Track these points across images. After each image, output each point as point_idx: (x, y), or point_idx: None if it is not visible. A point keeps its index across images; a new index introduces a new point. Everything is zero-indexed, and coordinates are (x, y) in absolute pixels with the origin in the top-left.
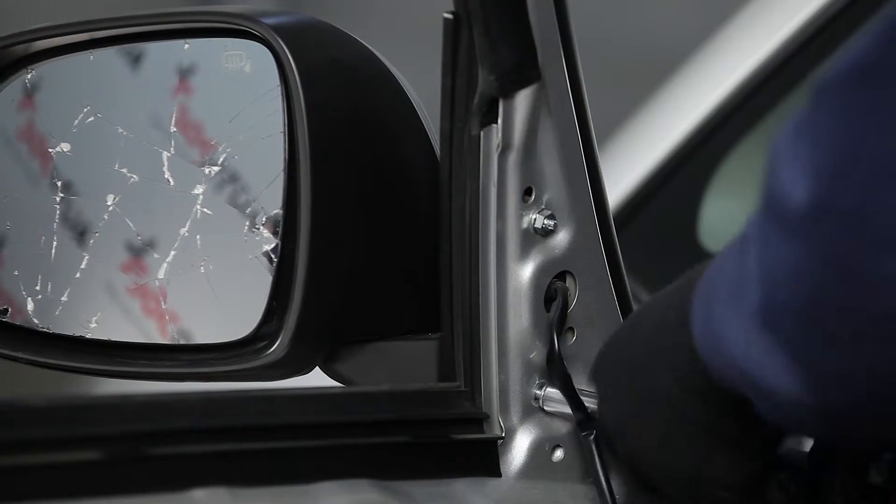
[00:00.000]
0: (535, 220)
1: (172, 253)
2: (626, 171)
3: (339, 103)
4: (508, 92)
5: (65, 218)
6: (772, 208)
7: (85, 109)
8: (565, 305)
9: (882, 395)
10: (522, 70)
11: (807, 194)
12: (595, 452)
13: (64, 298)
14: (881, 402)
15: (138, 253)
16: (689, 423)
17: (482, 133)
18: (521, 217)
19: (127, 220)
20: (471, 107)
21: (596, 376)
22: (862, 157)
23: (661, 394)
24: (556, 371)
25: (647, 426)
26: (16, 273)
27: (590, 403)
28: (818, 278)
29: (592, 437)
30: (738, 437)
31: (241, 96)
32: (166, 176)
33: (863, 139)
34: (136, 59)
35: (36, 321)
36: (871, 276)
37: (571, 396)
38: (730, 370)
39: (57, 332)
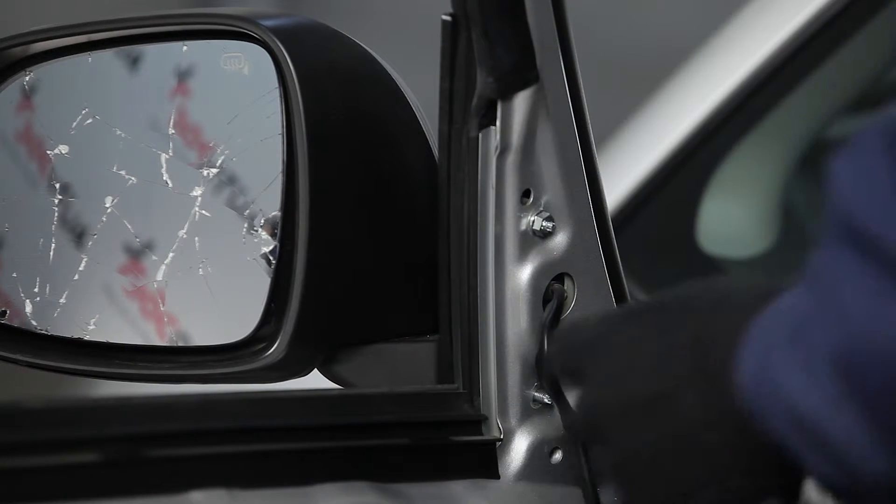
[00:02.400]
0: (533, 222)
1: (171, 255)
2: (624, 172)
3: (337, 105)
4: (507, 94)
5: (63, 220)
6: (859, 245)
7: (83, 111)
8: (560, 307)
9: None
10: (521, 72)
11: None
12: (581, 454)
13: (62, 300)
14: None
15: (137, 255)
16: (702, 455)
17: (480, 135)
18: (519, 219)
19: (125, 222)
20: (469, 109)
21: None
22: None
23: (678, 418)
24: (546, 373)
25: (650, 442)
26: (14, 275)
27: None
28: None
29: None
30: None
31: (239, 98)
32: (165, 178)
33: None
34: (134, 62)
35: (34, 323)
36: None
37: (560, 399)
38: (784, 422)
39: (55, 334)
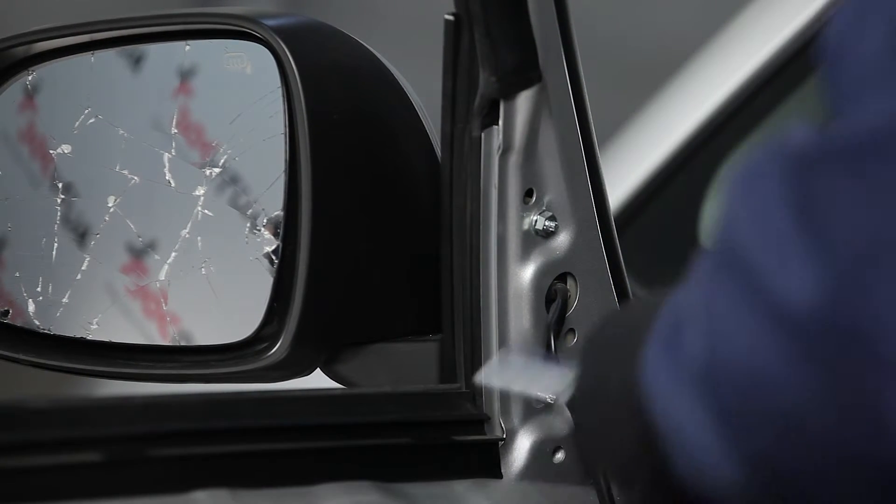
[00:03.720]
0: (535, 221)
1: (173, 254)
2: (627, 172)
3: (339, 105)
4: (509, 93)
5: (66, 219)
6: (742, 285)
7: (86, 111)
8: (564, 307)
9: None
10: (523, 71)
11: (809, 297)
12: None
13: (65, 300)
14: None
15: (139, 254)
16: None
17: (483, 134)
18: (521, 219)
19: (128, 221)
20: (472, 108)
21: (581, 354)
22: (887, 254)
23: (612, 408)
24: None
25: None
26: (17, 275)
27: None
28: (791, 378)
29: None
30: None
31: (241, 98)
32: (167, 177)
33: (886, 230)
34: (136, 61)
35: (37, 323)
36: (867, 406)
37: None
38: (661, 426)
39: (58, 333)
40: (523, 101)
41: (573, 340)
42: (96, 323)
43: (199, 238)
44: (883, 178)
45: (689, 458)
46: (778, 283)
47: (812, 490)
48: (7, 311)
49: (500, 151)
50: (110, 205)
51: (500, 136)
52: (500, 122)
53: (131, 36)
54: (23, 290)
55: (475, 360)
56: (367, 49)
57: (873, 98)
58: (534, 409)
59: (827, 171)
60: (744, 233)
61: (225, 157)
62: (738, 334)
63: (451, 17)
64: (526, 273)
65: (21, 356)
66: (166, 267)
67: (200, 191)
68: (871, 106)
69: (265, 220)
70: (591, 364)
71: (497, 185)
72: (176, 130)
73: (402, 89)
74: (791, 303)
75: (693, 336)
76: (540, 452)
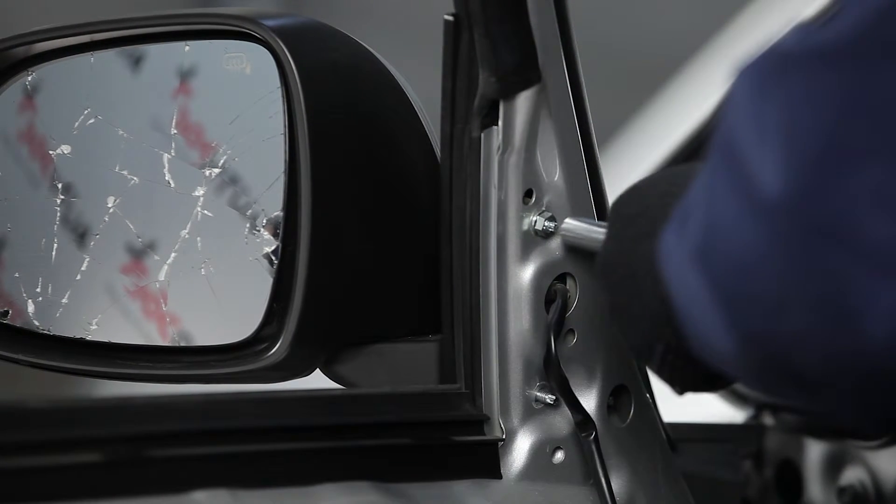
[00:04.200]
0: (535, 222)
1: (173, 255)
2: (626, 172)
3: (339, 105)
4: (509, 94)
5: (65, 220)
6: (733, 172)
7: (85, 111)
8: (564, 307)
9: (800, 366)
10: (523, 72)
11: (779, 185)
12: (596, 453)
13: (64, 300)
14: (792, 371)
15: (139, 255)
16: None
17: (483, 135)
18: (521, 219)
19: (127, 221)
20: (471, 109)
21: (612, 211)
22: (850, 150)
23: (630, 266)
24: (553, 373)
25: (623, 279)
26: (16, 275)
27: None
28: (768, 260)
29: (593, 437)
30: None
31: (241, 98)
32: (167, 178)
33: (854, 138)
34: (136, 62)
35: (36, 323)
36: (820, 266)
37: (569, 399)
38: (669, 286)
39: (57, 333)
40: (523, 102)
41: (573, 341)
42: (96, 323)
43: (198, 238)
44: (853, 77)
45: (696, 331)
46: (758, 172)
47: (793, 361)
48: (7, 312)
49: (499, 152)
50: (110, 205)
51: (500, 137)
52: (500, 123)
53: (131, 36)
54: (22, 290)
55: (475, 361)
56: (367, 49)
57: (852, 2)
58: (533, 409)
59: (804, 69)
60: (737, 124)
61: (224, 157)
62: (726, 219)
63: (450, 18)
64: (525, 273)
65: (21, 356)
66: (166, 267)
67: (200, 191)
68: (849, 10)
69: (265, 221)
70: (617, 232)
71: (497, 186)
72: (175, 131)
73: (402, 89)
74: (766, 191)
75: (695, 220)
76: (539, 453)
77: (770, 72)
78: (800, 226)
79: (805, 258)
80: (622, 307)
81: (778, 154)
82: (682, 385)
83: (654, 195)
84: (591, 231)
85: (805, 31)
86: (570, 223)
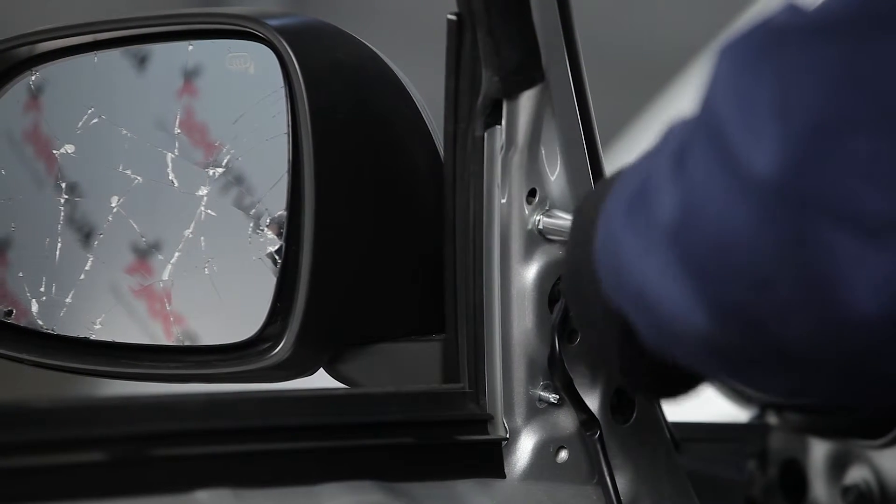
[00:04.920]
0: (539, 221)
1: (177, 254)
2: None
3: (342, 105)
4: (512, 93)
5: (69, 219)
6: (716, 150)
7: (89, 111)
8: (568, 308)
9: (779, 342)
10: (526, 71)
11: (770, 161)
12: (600, 452)
13: (68, 300)
14: (773, 349)
15: (143, 254)
16: (591, 303)
17: (486, 134)
18: (525, 218)
19: (131, 221)
20: (475, 108)
21: (573, 219)
22: (844, 134)
23: (582, 269)
24: (557, 373)
25: (576, 286)
26: (20, 274)
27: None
28: (752, 235)
29: (597, 436)
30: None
31: (245, 98)
32: (170, 177)
33: (848, 111)
34: (140, 61)
35: (40, 323)
36: (816, 248)
37: (573, 398)
38: (619, 277)
39: (61, 333)
40: (526, 101)
41: (577, 340)
42: (100, 323)
43: (202, 238)
44: (847, 51)
45: (658, 316)
46: (746, 150)
47: (775, 337)
48: (11, 311)
49: (502, 151)
50: (114, 205)
51: (503, 136)
52: (503, 122)
53: (135, 36)
54: (26, 290)
55: (478, 360)
56: (370, 49)
57: None
58: (537, 408)
59: (796, 45)
60: (721, 101)
61: (228, 157)
62: (709, 197)
63: (453, 17)
64: (529, 273)
65: (24, 356)
66: (170, 267)
67: (204, 191)
68: None
69: (268, 220)
70: (574, 232)
71: (500, 185)
72: (179, 130)
73: (405, 89)
74: (756, 170)
75: (664, 197)
76: (543, 452)
77: (759, 48)
78: (791, 200)
79: (796, 231)
80: (583, 320)
81: (769, 129)
82: (646, 391)
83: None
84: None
85: (796, 7)
86: (545, 220)
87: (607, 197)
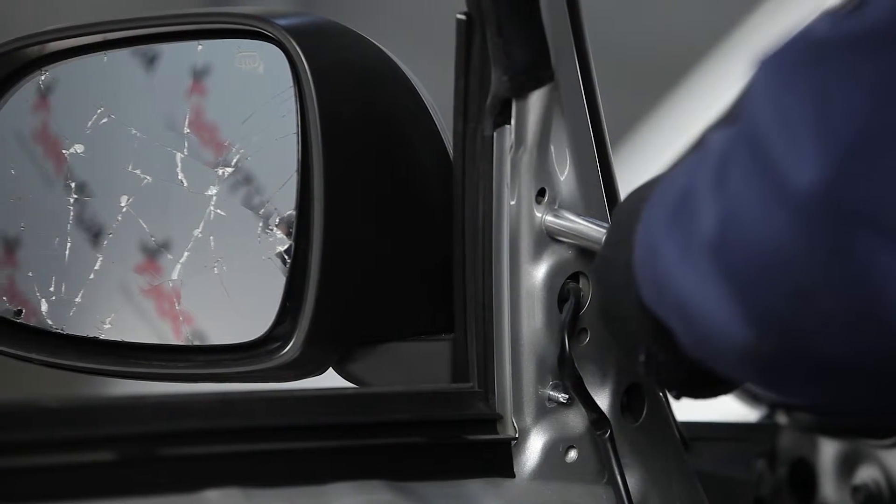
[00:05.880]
0: (545, 221)
1: (186, 254)
2: (639, 172)
3: (351, 104)
4: (521, 93)
5: (79, 219)
6: (757, 163)
7: (99, 111)
8: (578, 306)
9: (816, 356)
10: (535, 71)
11: (811, 174)
12: (611, 451)
13: (78, 300)
14: (813, 360)
15: (152, 254)
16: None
17: (495, 134)
18: (534, 218)
19: (141, 221)
20: (484, 108)
21: (612, 216)
22: (886, 145)
23: (616, 267)
24: (567, 372)
25: (608, 283)
26: (30, 274)
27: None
28: (796, 249)
29: (608, 436)
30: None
31: (254, 97)
32: (180, 177)
33: (890, 121)
34: (150, 61)
35: (50, 322)
36: (859, 264)
37: (583, 397)
38: (659, 286)
39: (71, 333)
40: (535, 101)
41: (586, 340)
42: (109, 322)
43: (211, 238)
44: (885, 67)
45: (697, 329)
46: (788, 163)
47: (816, 348)
48: (21, 311)
49: (512, 151)
50: (123, 204)
51: (513, 136)
52: (513, 122)
53: (144, 36)
54: (36, 289)
55: (487, 360)
56: (379, 48)
57: None
58: (546, 408)
59: (838, 57)
60: (761, 114)
61: (237, 156)
62: (752, 210)
63: (462, 17)
64: (538, 272)
65: (34, 355)
66: (179, 266)
67: (213, 190)
68: None
69: (278, 220)
70: (609, 237)
71: (509, 185)
72: (189, 130)
73: (415, 88)
74: (799, 182)
75: (706, 209)
76: (553, 451)
77: (798, 61)
78: (834, 211)
79: (838, 243)
80: (610, 313)
81: (810, 143)
82: (675, 390)
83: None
84: (575, 227)
85: (834, 19)
86: (550, 220)
87: (647, 201)
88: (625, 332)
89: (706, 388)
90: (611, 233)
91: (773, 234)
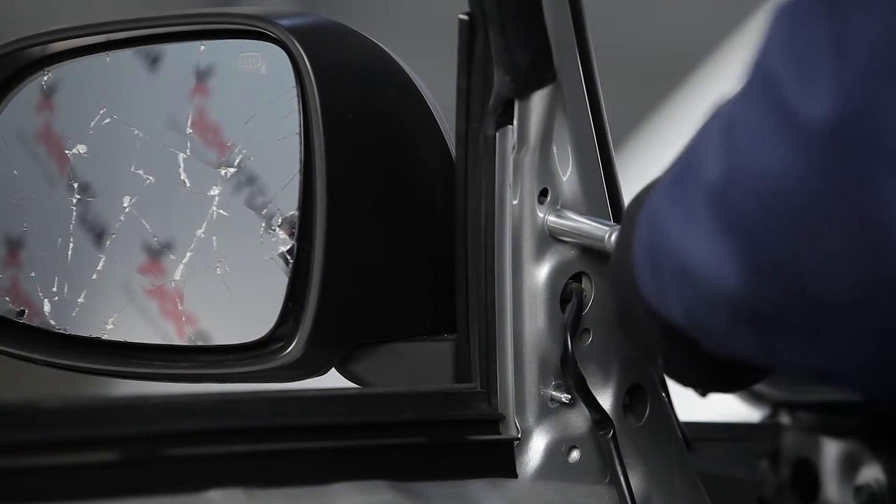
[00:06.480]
0: (547, 221)
1: (189, 254)
2: (642, 171)
3: (354, 104)
4: (524, 93)
5: (82, 219)
6: (770, 102)
7: (102, 111)
8: (580, 307)
9: (816, 302)
10: (538, 71)
11: (826, 106)
12: (614, 451)
13: (81, 300)
14: (809, 309)
15: (155, 254)
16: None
17: (498, 134)
18: (536, 218)
19: (143, 221)
20: (486, 108)
21: (624, 215)
22: None
23: (628, 273)
24: (570, 373)
25: (619, 279)
26: (33, 274)
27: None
28: (805, 184)
29: (610, 436)
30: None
31: (257, 98)
32: (183, 177)
33: None
34: (153, 61)
35: (53, 322)
36: (870, 194)
37: (586, 397)
38: (656, 250)
39: (74, 333)
40: (538, 101)
41: (589, 340)
42: (112, 323)
43: (214, 238)
44: None
45: (691, 279)
46: (800, 99)
47: (813, 294)
48: (23, 311)
49: (514, 151)
50: (126, 205)
51: (515, 136)
52: (515, 122)
53: (147, 36)
54: (39, 290)
55: (490, 360)
56: (382, 48)
57: None
58: (549, 408)
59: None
60: (776, 55)
61: (240, 156)
62: (759, 149)
63: (465, 17)
64: (541, 272)
65: (37, 356)
66: (182, 267)
67: (216, 191)
68: None
69: (280, 220)
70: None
71: (511, 185)
72: (191, 130)
73: (417, 88)
74: (811, 114)
75: (711, 162)
76: (555, 452)
77: (814, 3)
78: (846, 142)
79: (847, 175)
80: (623, 317)
81: (824, 73)
82: (698, 388)
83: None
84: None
85: None
86: (552, 220)
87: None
88: (639, 336)
89: (726, 382)
90: (619, 236)
91: (780, 171)
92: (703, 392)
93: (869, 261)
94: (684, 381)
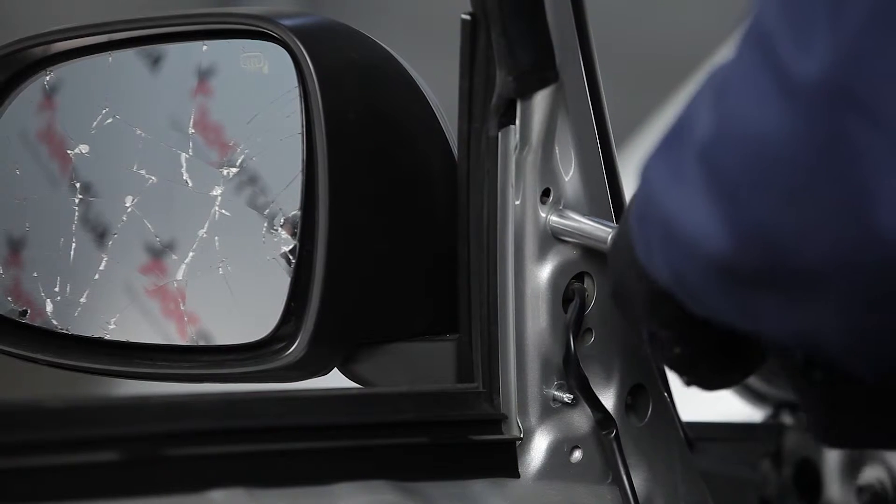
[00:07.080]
0: (549, 221)
1: (191, 254)
2: None
3: (356, 104)
4: (526, 93)
5: (84, 219)
6: (762, 59)
7: (104, 111)
8: (583, 307)
9: (794, 261)
10: (540, 71)
11: (820, 68)
12: (616, 451)
13: (83, 300)
14: (793, 272)
15: (157, 254)
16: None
17: (500, 134)
18: (538, 218)
19: (146, 221)
20: (488, 108)
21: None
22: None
23: (624, 251)
24: (572, 372)
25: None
26: (35, 274)
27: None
28: (794, 142)
29: (613, 435)
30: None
31: (259, 98)
32: (185, 177)
33: None
34: (155, 61)
35: (55, 322)
36: (854, 151)
37: (588, 397)
38: (645, 215)
39: (76, 333)
40: (540, 101)
41: (591, 340)
42: (114, 323)
43: (216, 238)
44: None
45: (677, 238)
46: (794, 55)
47: (798, 256)
48: (25, 311)
49: (516, 151)
50: (128, 205)
51: (517, 136)
52: (517, 122)
53: (149, 36)
54: (41, 289)
55: (492, 360)
56: (384, 48)
57: None
58: (551, 408)
59: None
60: (771, 13)
61: (242, 156)
62: (748, 106)
63: (467, 17)
64: (543, 272)
65: (39, 356)
66: (184, 267)
67: (218, 191)
68: None
69: (282, 220)
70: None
71: (514, 185)
72: (193, 130)
73: (419, 88)
74: (801, 69)
75: (702, 120)
76: (557, 452)
77: None
78: (833, 97)
79: (833, 130)
80: (619, 294)
81: (818, 27)
82: (682, 373)
83: None
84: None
85: None
86: (555, 220)
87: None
88: (632, 313)
89: (713, 372)
90: (620, 224)
91: (769, 129)
92: (690, 382)
93: (846, 225)
94: (670, 363)
